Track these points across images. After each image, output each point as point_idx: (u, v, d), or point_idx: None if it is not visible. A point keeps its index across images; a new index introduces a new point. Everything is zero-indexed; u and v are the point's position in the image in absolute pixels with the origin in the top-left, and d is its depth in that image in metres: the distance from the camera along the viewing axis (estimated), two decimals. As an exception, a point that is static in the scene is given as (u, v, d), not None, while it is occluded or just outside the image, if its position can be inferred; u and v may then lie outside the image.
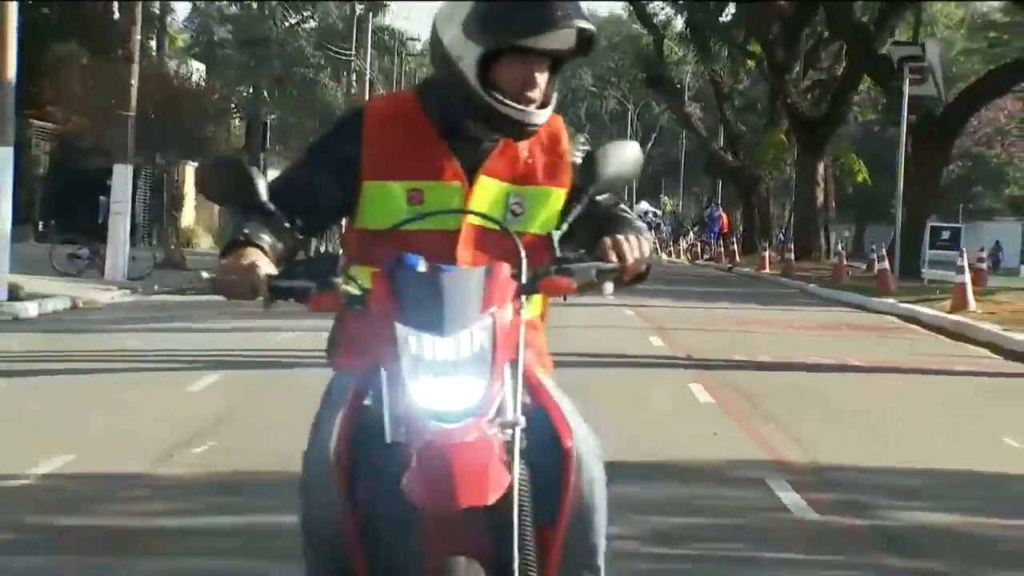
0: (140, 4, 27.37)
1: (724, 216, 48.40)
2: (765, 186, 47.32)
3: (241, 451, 8.32)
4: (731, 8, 44.90)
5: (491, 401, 3.00)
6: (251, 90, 41.01)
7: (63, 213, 34.52)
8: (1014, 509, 7.49)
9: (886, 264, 25.43)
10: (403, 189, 3.35)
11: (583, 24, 3.23)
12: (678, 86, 54.88)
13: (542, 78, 3.30)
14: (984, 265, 25.82)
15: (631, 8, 51.39)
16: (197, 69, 46.66)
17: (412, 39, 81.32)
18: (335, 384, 3.40)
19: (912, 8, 34.00)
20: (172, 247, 29.81)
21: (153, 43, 43.46)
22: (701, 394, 11.41)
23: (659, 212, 66.86)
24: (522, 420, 3.04)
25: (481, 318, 3.03)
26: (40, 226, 35.57)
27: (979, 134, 72.42)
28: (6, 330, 16.31)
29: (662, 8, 50.13)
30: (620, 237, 3.23)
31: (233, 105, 39.51)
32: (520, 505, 3.00)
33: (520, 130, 3.32)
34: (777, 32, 39.70)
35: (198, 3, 65.47)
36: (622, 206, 3.48)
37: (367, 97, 59.82)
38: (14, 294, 19.14)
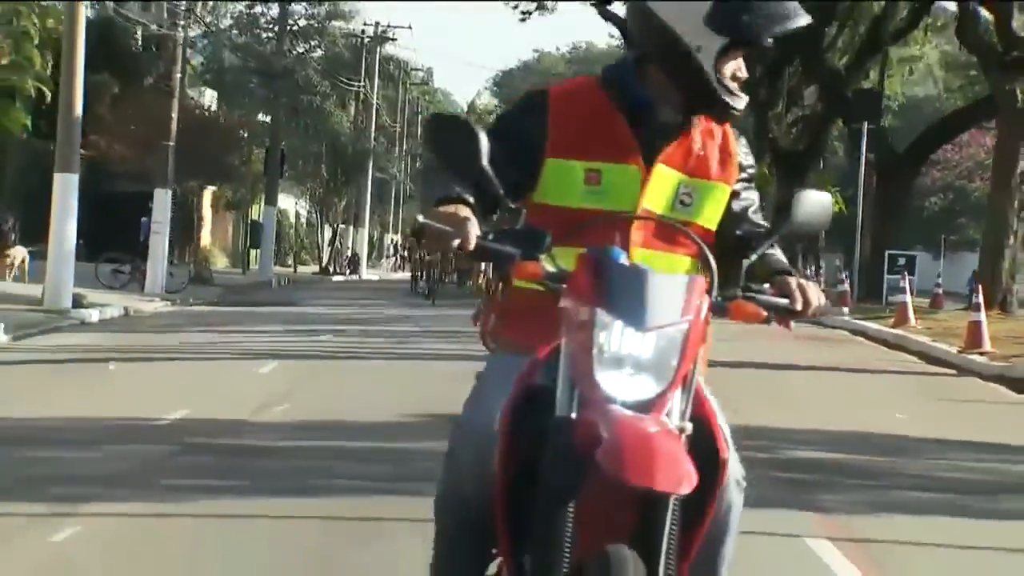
0: (182, 48, 30.25)
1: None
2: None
3: (310, 410, 11.13)
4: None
5: (664, 402, 3.10)
6: (269, 119, 43.79)
7: (97, 233, 37.30)
8: (882, 451, 10.27)
9: (846, 286, 28.45)
10: (582, 168, 3.45)
11: (807, 21, 3.40)
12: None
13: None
14: (940, 291, 28.59)
15: (624, 46, 54.14)
16: (211, 95, 49.48)
17: (416, 69, 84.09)
18: (495, 361, 3.56)
19: (880, 53, 36.77)
20: (203, 264, 32.61)
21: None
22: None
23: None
24: (689, 426, 3.16)
25: (679, 323, 3.12)
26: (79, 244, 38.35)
27: (960, 168, 75.04)
28: (78, 331, 19.13)
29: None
30: (804, 282, 3.42)
31: (244, 135, 42.21)
32: (672, 504, 3.08)
33: (727, 113, 3.44)
34: (761, 72, 42.51)
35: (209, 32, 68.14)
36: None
37: (373, 124, 62.75)
38: (78, 303, 21.96)
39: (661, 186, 3.44)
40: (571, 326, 3.15)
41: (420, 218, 3.18)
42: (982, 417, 13.03)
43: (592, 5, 50.58)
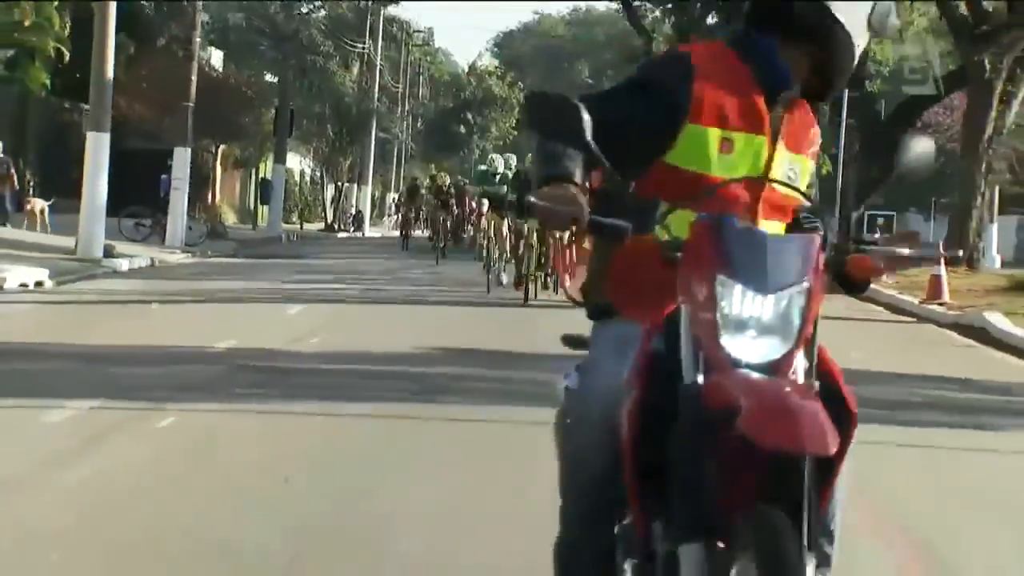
0: (200, 9, 31.84)
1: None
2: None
3: (338, 343, 12.86)
4: (713, 14, 49.17)
5: (790, 363, 3.14)
6: (278, 80, 45.30)
7: (114, 188, 38.81)
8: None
9: (824, 243, 30.23)
10: (717, 136, 3.48)
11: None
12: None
13: None
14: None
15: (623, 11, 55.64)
16: (217, 56, 50.90)
17: (418, 31, 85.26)
18: (605, 330, 3.61)
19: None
20: (218, 220, 34.29)
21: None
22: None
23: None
24: (817, 385, 3.20)
25: (799, 283, 3.15)
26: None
27: (952, 131, 76.52)
28: (112, 278, 20.83)
29: (652, 11, 54.30)
30: (909, 231, 3.55)
31: (250, 94, 43.61)
32: (809, 463, 3.09)
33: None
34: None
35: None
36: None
37: (376, 85, 64.19)
38: (108, 253, 23.64)
39: (780, 159, 3.53)
40: (691, 292, 3.20)
41: (531, 199, 3.24)
42: (927, 356, 14.77)
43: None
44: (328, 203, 54.35)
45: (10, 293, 16.69)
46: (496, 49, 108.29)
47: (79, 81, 29.53)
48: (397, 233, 40.72)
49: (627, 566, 3.38)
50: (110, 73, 23.72)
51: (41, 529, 5.49)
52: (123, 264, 23.17)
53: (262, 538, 5.50)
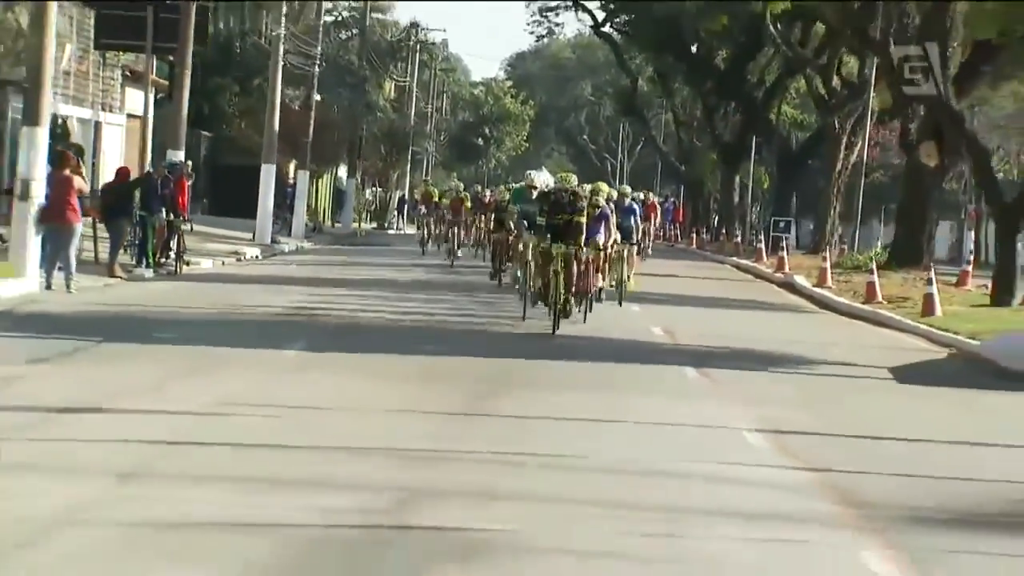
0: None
1: (679, 209, 66.38)
2: (707, 189, 65.43)
3: (437, 285, 26.66)
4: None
5: None
6: (350, 108, 59.02)
7: (218, 194, 52.42)
8: (745, 344, 25.65)
9: (738, 238, 44.15)
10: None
11: None
12: (646, 113, 73.05)
13: None
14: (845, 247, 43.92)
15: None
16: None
17: (432, 43, 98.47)
18: None
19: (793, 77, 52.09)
20: (320, 220, 48.31)
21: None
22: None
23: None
24: None
25: None
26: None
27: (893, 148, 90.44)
28: (282, 256, 34.69)
29: (636, 57, 68.03)
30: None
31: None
32: None
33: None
34: (710, 85, 57.86)
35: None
36: None
37: (413, 110, 78.11)
38: (275, 240, 37.52)
39: None
40: None
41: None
42: (754, 291, 28.49)
43: (590, 27, 66.09)
44: (380, 206, 68.32)
45: (242, 263, 30.47)
46: (510, 68, 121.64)
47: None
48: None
49: None
50: (276, 123, 37.50)
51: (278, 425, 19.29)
52: (285, 247, 37.10)
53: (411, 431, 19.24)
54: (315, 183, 63.40)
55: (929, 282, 22.42)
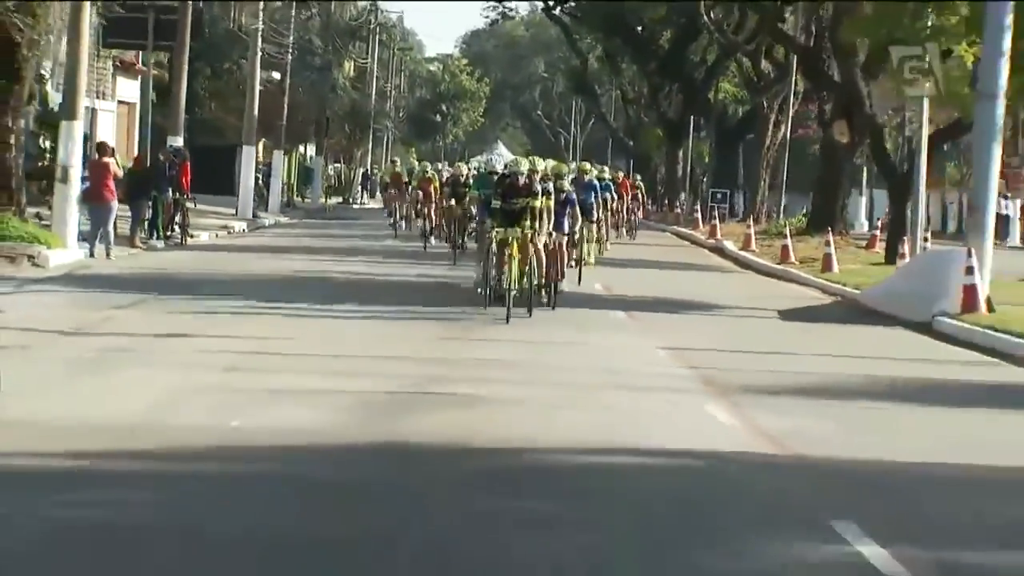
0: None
1: (625, 182, 70.29)
2: (654, 163, 69.44)
3: (396, 251, 30.52)
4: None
5: None
6: (314, 89, 62.51)
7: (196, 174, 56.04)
8: (669, 296, 29.62)
9: (679, 209, 48.23)
10: None
11: None
12: (597, 90, 76.97)
13: None
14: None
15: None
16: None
17: (392, 25, 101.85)
18: None
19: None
20: (292, 195, 51.99)
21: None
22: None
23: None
24: None
25: None
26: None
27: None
28: (266, 229, 38.43)
29: (586, 38, 71.85)
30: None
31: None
32: None
33: None
34: (654, 65, 61.79)
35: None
36: None
37: (374, 90, 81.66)
38: (256, 215, 41.24)
39: None
40: None
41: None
42: (685, 254, 32.49)
43: (542, 10, 69.88)
44: (344, 182, 72.05)
45: (233, 235, 34.23)
46: (465, 46, 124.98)
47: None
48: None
49: None
50: (255, 111, 41.14)
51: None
52: (266, 221, 40.85)
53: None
54: (286, 161, 67.17)
55: (827, 243, 26.48)
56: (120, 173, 23.72)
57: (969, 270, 17.75)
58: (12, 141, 21.93)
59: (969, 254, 17.84)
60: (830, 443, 9.47)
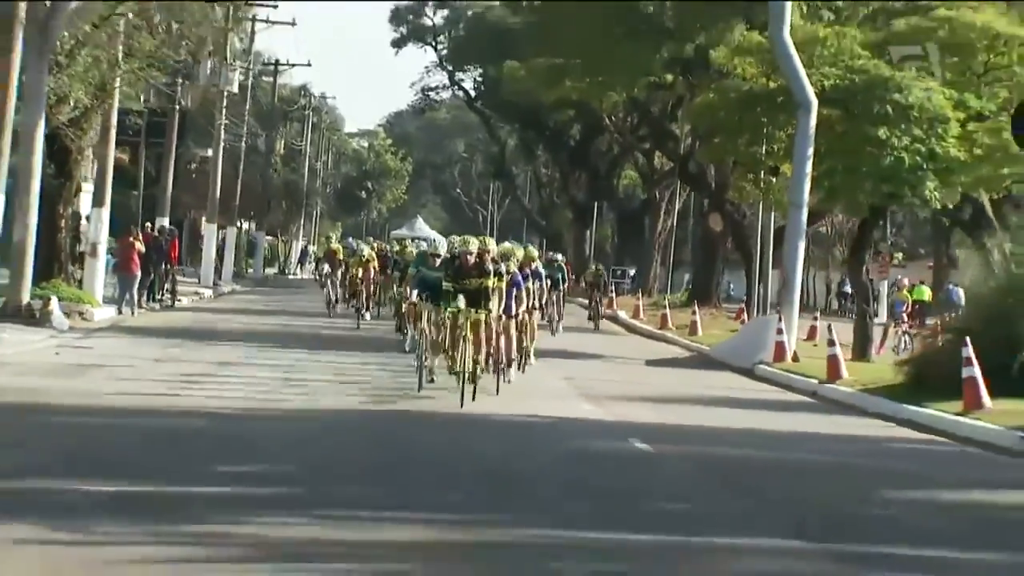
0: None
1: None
2: (564, 243, 76.50)
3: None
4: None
5: None
6: (260, 177, 69.11)
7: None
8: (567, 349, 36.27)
9: (583, 284, 55.26)
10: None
11: None
12: (514, 171, 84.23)
13: None
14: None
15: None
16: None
17: (322, 107, 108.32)
18: None
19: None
20: (242, 266, 58.34)
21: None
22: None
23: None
24: None
25: None
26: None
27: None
28: (225, 295, 44.77)
29: (504, 127, 79.05)
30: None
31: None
32: None
33: None
34: (565, 155, 69.05)
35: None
36: None
37: (306, 169, 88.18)
38: (216, 284, 47.55)
39: None
40: None
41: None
42: (616, 342, 39.28)
43: (464, 102, 76.73)
44: (280, 255, 78.51)
45: (204, 300, 40.50)
46: (389, 126, 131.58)
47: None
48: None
49: None
50: (217, 194, 47.52)
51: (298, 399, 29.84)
52: (224, 288, 47.18)
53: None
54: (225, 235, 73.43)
55: (693, 313, 33.52)
56: (143, 249, 30.09)
57: (779, 331, 24.75)
58: (63, 225, 28.22)
59: (779, 319, 24.88)
60: (647, 418, 16.25)
